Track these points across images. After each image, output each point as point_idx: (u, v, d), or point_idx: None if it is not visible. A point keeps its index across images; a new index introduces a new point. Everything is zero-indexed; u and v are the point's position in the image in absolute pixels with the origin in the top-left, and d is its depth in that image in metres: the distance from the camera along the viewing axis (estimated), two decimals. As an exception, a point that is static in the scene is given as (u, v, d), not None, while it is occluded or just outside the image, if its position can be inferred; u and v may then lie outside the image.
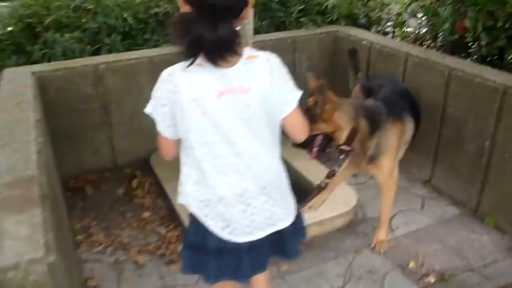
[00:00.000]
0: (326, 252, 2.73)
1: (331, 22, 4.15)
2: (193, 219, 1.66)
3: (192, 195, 1.61)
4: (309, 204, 2.79)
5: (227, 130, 1.50)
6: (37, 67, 3.21)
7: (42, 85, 3.13)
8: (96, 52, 3.60)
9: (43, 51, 3.60)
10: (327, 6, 4.12)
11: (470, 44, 3.45)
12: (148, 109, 1.54)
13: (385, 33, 4.40)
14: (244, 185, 1.57)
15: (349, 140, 2.48)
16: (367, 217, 3.05)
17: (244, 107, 1.47)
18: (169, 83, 1.47)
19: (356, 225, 2.96)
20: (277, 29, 4.11)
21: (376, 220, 2.82)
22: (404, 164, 3.49)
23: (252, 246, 1.64)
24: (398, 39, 3.83)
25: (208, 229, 1.61)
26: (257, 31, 3.96)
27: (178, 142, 1.59)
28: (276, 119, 1.58)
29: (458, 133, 3.04)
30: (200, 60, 1.40)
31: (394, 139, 2.58)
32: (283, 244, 1.74)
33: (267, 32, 4.01)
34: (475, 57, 3.40)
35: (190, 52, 1.38)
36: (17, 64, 3.66)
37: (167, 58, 3.24)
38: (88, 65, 3.25)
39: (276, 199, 1.63)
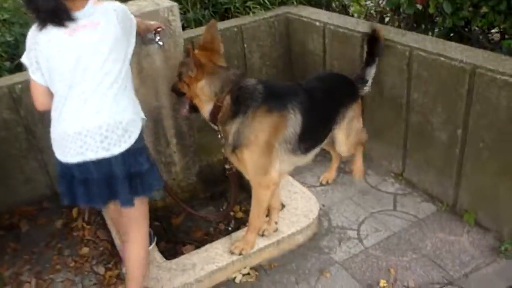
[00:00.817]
0: (285, 277, 2.39)
1: (283, 3, 3.71)
2: None
3: None
4: (261, 231, 2.49)
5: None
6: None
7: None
8: (17, 69, 3.18)
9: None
10: (276, -16, 3.68)
11: (433, 16, 3.04)
12: (22, 58, 1.89)
13: (346, 9, 3.97)
14: None
15: (212, 117, 2.18)
16: (333, 225, 2.70)
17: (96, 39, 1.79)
18: (32, 33, 1.82)
19: (320, 238, 2.62)
20: (223, 17, 3.68)
21: (343, 228, 2.49)
22: (374, 156, 3.16)
23: None
24: (355, 16, 3.42)
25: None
26: (198, 22, 3.54)
27: (48, 91, 1.87)
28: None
29: (427, 121, 2.67)
30: None
31: (260, 131, 2.14)
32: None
33: (211, 22, 3.57)
34: (441, 29, 3.00)
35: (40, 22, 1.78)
36: None
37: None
38: (2, 86, 2.84)
39: None
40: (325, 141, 2.57)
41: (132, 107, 1.94)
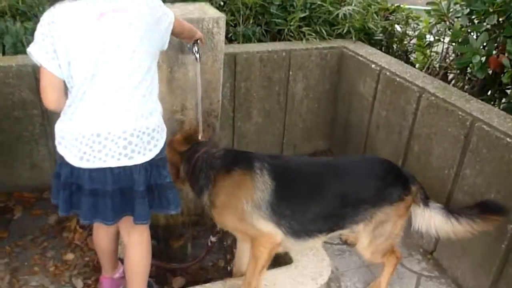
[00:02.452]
0: None
1: (341, 36, 3.44)
2: None
3: None
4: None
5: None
6: None
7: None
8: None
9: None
10: (337, 15, 3.41)
11: (505, 85, 2.69)
12: (29, 48, 1.57)
13: (408, 55, 3.65)
14: None
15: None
16: (344, 294, 2.38)
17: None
18: (47, 17, 1.55)
19: (326, 308, 2.30)
20: (275, 38, 3.44)
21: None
22: (406, 225, 2.81)
23: None
24: (417, 66, 3.10)
25: None
26: (247, 37, 3.31)
27: (63, 85, 1.61)
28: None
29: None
30: None
31: (221, 195, 2.00)
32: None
33: (261, 41, 3.34)
34: (510, 102, 2.64)
35: None
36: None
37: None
38: (27, 64, 2.68)
39: None
40: (329, 235, 2.12)
41: (159, 112, 1.74)
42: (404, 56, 3.58)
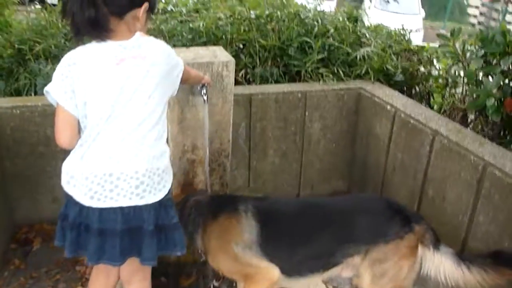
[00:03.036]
0: None
1: (359, 77, 3.45)
2: None
3: None
4: None
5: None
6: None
7: (-2, 122, 2.79)
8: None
9: (28, 81, 3.31)
10: (356, 56, 3.44)
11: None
12: (47, 88, 1.65)
13: (430, 96, 3.60)
14: None
15: None
16: None
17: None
18: (68, 59, 1.64)
19: None
20: (292, 79, 3.49)
21: None
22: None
23: None
24: (435, 108, 3.05)
25: None
26: (264, 79, 3.38)
27: (77, 125, 1.68)
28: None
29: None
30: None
31: (215, 239, 2.09)
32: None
33: (278, 82, 3.40)
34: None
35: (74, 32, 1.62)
36: (3, 92, 3.40)
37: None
38: (52, 104, 2.84)
39: None
40: (326, 272, 2.09)
41: (168, 154, 1.80)
42: (427, 98, 3.53)
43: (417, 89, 3.63)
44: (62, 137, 1.70)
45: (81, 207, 1.65)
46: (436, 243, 2.07)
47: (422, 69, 3.70)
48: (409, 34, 4.03)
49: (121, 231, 1.64)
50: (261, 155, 3.31)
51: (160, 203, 1.70)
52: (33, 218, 3.07)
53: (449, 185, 2.43)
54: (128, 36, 1.66)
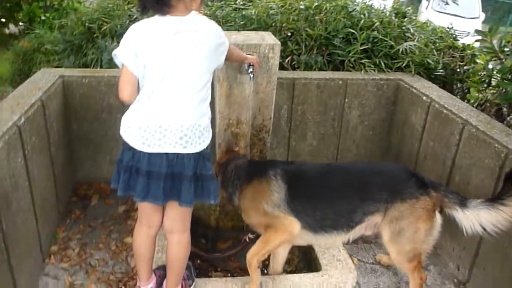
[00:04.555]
0: None
1: (400, 69, 3.60)
2: None
3: None
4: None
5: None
6: (67, 72, 3.26)
7: (68, 89, 3.17)
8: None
9: (95, 56, 3.69)
10: (399, 50, 3.58)
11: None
12: (115, 51, 1.95)
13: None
14: None
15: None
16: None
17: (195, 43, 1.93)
18: (134, 28, 1.94)
19: (344, 316, 2.43)
20: (336, 68, 3.69)
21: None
22: (443, 250, 2.86)
23: None
24: (471, 102, 3.15)
25: None
26: (309, 66, 3.60)
27: (137, 83, 1.96)
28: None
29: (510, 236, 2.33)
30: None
31: (249, 199, 2.37)
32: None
33: (321, 69, 3.61)
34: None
35: (141, 7, 1.97)
36: (73, 65, 3.81)
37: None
38: (116, 76, 3.19)
39: None
40: (351, 232, 2.31)
41: (209, 116, 2.08)
42: (466, 93, 3.62)
43: (458, 85, 3.73)
44: (124, 92, 1.98)
45: (134, 152, 1.95)
46: (463, 202, 2.21)
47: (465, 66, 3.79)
48: (466, 36, 4.09)
49: (165, 174, 1.93)
50: (301, 136, 3.54)
51: (199, 154, 1.98)
52: (93, 177, 3.45)
53: (474, 171, 2.56)
54: (185, 13, 1.93)
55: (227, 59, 2.33)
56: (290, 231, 2.24)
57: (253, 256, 2.31)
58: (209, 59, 2.02)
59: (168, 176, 1.96)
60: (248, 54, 2.60)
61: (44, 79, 3.04)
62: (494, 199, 2.14)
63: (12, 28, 8.49)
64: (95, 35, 3.79)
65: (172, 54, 1.91)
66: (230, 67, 2.65)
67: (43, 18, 6.02)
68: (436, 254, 2.88)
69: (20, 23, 8.16)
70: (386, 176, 2.32)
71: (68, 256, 2.73)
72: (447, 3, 13.48)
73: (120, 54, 1.95)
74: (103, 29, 3.75)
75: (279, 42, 2.71)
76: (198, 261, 2.90)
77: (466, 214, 2.20)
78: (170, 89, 1.95)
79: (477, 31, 2.96)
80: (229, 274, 2.78)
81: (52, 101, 2.92)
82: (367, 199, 2.25)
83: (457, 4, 13.28)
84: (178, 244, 2.18)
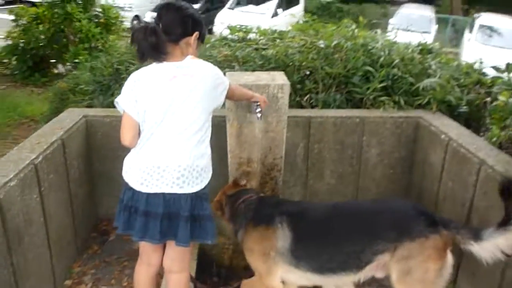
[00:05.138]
0: None
1: (422, 106, 3.52)
2: None
3: None
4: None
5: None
6: (91, 111, 3.42)
7: (91, 129, 3.32)
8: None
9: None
10: (418, 87, 3.52)
11: None
12: (117, 99, 2.08)
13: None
14: None
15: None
16: None
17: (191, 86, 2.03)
18: (133, 77, 2.07)
19: None
20: (355, 106, 3.66)
21: None
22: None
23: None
24: (493, 140, 3.01)
25: None
26: (327, 104, 3.59)
27: (138, 128, 2.06)
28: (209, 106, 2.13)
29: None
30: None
31: (251, 243, 2.40)
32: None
33: (340, 107, 3.59)
34: None
35: (139, 55, 2.03)
36: (101, 105, 3.99)
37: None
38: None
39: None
40: (360, 272, 2.26)
41: (208, 156, 2.14)
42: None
43: (484, 121, 3.60)
44: (126, 137, 2.10)
45: (134, 192, 2.02)
46: (476, 234, 2.11)
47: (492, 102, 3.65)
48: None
49: (162, 214, 1.98)
50: (318, 175, 3.50)
51: (197, 195, 2.02)
52: (112, 213, 3.47)
53: (492, 214, 2.43)
54: (181, 58, 2.05)
55: (229, 98, 2.39)
56: (269, 284, 2.35)
57: None
58: (206, 100, 2.09)
59: (165, 216, 2.00)
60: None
61: (68, 119, 3.21)
62: (506, 222, 2.04)
63: (60, 68, 9.07)
64: (122, 76, 3.97)
65: (169, 98, 2.01)
66: (240, 106, 2.70)
67: (75, 61, 6.39)
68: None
69: (67, 64, 8.72)
70: (394, 215, 2.27)
71: (81, 292, 2.79)
72: (490, 36, 13.11)
73: (121, 101, 2.08)
74: (129, 70, 3.93)
75: (288, 82, 2.74)
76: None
77: (483, 246, 2.10)
78: (168, 131, 2.02)
79: (494, 68, 2.86)
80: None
81: (74, 140, 3.06)
82: (375, 239, 2.20)
83: (502, 35, 12.85)
84: (176, 284, 2.19)
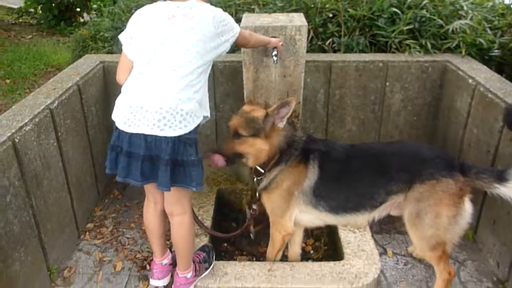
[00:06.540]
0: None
1: (450, 50, 3.33)
2: None
3: None
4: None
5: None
6: (107, 57, 3.39)
7: (109, 75, 3.30)
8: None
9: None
10: (448, 29, 3.31)
11: None
12: (120, 35, 2.10)
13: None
14: None
15: (264, 166, 2.32)
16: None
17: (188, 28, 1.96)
18: (135, 13, 2.05)
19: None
20: (380, 50, 3.49)
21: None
22: (484, 245, 2.65)
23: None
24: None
25: None
26: (350, 49, 3.45)
27: (131, 67, 2.04)
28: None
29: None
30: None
31: (287, 179, 2.29)
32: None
33: (363, 51, 3.44)
34: None
35: None
36: (120, 50, 3.94)
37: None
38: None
39: None
40: (374, 211, 2.27)
41: (199, 102, 2.03)
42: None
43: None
44: (121, 76, 2.09)
45: (119, 132, 1.97)
46: (500, 176, 2.05)
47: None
48: None
49: (143, 156, 1.93)
50: (339, 121, 3.41)
51: (180, 139, 1.92)
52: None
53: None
54: None
55: (243, 45, 2.30)
56: (285, 230, 2.36)
57: (271, 259, 2.48)
58: (203, 46, 2.00)
59: (146, 158, 1.96)
60: (272, 37, 2.54)
61: (85, 65, 3.20)
62: None
63: (86, 17, 9.04)
64: (140, 21, 3.90)
65: (161, 38, 1.96)
66: (256, 50, 2.61)
67: (94, 6, 6.29)
68: (476, 249, 2.67)
69: (93, 12, 8.67)
70: (408, 156, 2.24)
71: (102, 234, 2.87)
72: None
73: (122, 37, 2.09)
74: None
75: (306, 23, 2.62)
76: (225, 245, 2.94)
77: (509, 187, 2.03)
78: (156, 71, 1.97)
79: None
80: (254, 258, 2.80)
81: (91, 86, 3.06)
82: (390, 180, 2.19)
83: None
84: (179, 226, 2.20)
